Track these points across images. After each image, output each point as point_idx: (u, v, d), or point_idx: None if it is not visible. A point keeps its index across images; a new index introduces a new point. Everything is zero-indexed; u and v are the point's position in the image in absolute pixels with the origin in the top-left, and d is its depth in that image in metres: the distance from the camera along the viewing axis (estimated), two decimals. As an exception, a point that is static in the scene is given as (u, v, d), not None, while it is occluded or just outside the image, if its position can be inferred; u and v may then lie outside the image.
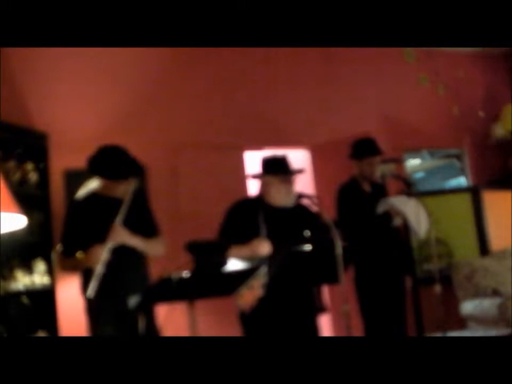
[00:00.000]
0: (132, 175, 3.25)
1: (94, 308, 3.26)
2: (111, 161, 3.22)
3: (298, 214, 3.23)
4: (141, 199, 3.50)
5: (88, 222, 3.21)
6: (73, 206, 3.41)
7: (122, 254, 3.20)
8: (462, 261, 5.10)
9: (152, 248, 3.34)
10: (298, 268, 3.09)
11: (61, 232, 3.34)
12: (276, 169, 3.19)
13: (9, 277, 3.70)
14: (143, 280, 3.30)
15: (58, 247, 3.37)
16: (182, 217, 4.52)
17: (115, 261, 3.19)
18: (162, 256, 3.46)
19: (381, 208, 3.98)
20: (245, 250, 3.04)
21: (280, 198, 3.20)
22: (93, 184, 3.77)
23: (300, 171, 3.31)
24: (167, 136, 4.70)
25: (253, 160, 5.14)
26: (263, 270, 2.92)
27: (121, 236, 3.14)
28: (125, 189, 3.22)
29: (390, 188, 4.40)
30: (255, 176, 3.30)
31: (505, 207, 5.36)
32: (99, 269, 3.04)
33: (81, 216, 3.27)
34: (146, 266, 3.41)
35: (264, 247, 3.02)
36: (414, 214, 3.92)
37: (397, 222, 4.05)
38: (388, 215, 3.99)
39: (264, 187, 3.25)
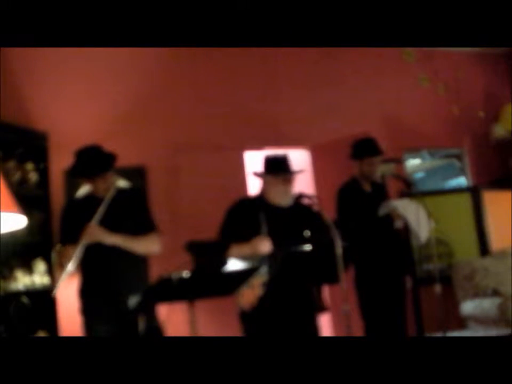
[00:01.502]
0: (98, 171, 3.24)
1: (88, 309, 3.27)
2: (80, 160, 3.27)
3: (299, 213, 3.23)
4: (134, 196, 3.51)
5: (77, 221, 3.22)
6: (66, 206, 3.46)
7: (117, 253, 3.20)
8: (462, 261, 5.10)
9: (141, 246, 3.28)
10: (298, 267, 3.09)
11: (60, 230, 3.39)
12: (277, 169, 3.19)
13: (9, 277, 3.70)
14: (143, 280, 3.30)
15: (57, 246, 3.39)
16: (182, 217, 4.52)
17: (110, 261, 3.20)
18: (162, 256, 3.46)
19: (382, 210, 3.98)
20: (246, 248, 3.04)
21: (279, 198, 3.20)
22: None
23: (300, 171, 3.31)
24: (167, 136, 4.70)
25: (253, 160, 5.14)
26: (263, 269, 2.92)
27: (95, 234, 3.13)
28: (105, 187, 3.24)
29: (390, 188, 4.40)
30: (256, 175, 3.30)
31: (505, 207, 5.36)
32: (68, 268, 3.07)
33: (72, 216, 3.32)
34: (146, 266, 3.41)
35: (264, 245, 3.02)
36: (416, 218, 3.92)
37: (398, 224, 4.05)
38: (389, 218, 3.99)
39: (264, 186, 3.25)
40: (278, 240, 3.04)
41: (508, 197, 5.36)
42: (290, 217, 3.19)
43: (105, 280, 3.21)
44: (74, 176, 3.48)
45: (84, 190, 3.87)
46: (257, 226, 3.08)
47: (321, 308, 3.22)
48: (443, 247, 5.13)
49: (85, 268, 3.29)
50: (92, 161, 3.23)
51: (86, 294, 3.31)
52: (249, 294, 2.95)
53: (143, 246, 3.29)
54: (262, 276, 2.94)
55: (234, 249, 3.07)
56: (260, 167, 3.28)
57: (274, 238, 3.05)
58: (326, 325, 4.69)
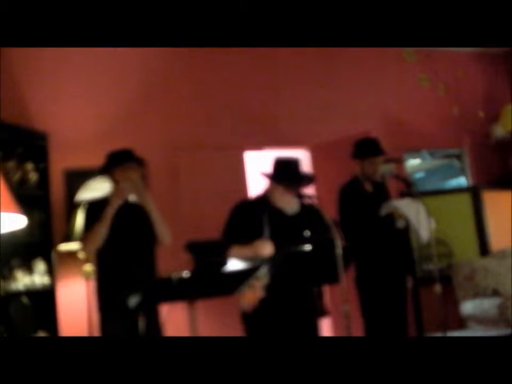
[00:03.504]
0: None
1: (105, 304, 3.28)
2: (124, 152, 3.39)
3: (302, 215, 3.22)
4: None
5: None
6: (94, 204, 3.42)
7: (135, 249, 3.27)
8: (462, 261, 5.10)
9: (163, 224, 3.37)
10: (299, 267, 3.08)
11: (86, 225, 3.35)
12: (288, 179, 3.14)
13: (9, 277, 3.70)
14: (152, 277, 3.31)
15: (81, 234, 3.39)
16: (182, 217, 4.52)
17: (128, 257, 3.22)
18: (162, 256, 3.47)
19: (384, 210, 3.97)
20: (247, 250, 3.03)
21: (285, 205, 3.18)
22: (102, 186, 3.79)
23: (310, 180, 3.27)
24: (167, 136, 4.70)
25: (253, 160, 5.14)
26: (264, 270, 2.91)
27: (147, 196, 3.31)
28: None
29: (390, 188, 4.40)
30: (264, 176, 3.25)
31: (505, 207, 5.36)
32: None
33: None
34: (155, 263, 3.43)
35: (266, 248, 3.00)
36: (417, 218, 3.91)
37: (400, 224, 4.05)
38: (391, 217, 3.98)
39: (271, 190, 3.22)
40: (280, 243, 3.03)
41: (508, 197, 5.36)
42: (294, 220, 3.18)
43: (130, 277, 3.21)
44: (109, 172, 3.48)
45: (91, 192, 3.87)
46: (260, 229, 3.06)
47: (323, 312, 3.21)
48: (443, 247, 5.13)
49: (106, 263, 3.31)
50: (135, 159, 3.40)
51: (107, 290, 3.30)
52: (251, 295, 2.95)
53: (164, 226, 3.37)
54: (263, 277, 2.93)
55: (236, 250, 3.06)
56: (269, 169, 3.21)
57: (276, 241, 3.04)
58: (326, 325, 4.69)
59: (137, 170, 3.41)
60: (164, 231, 3.37)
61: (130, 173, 3.35)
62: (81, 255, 3.94)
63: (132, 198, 3.35)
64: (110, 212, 3.22)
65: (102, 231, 3.21)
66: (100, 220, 3.22)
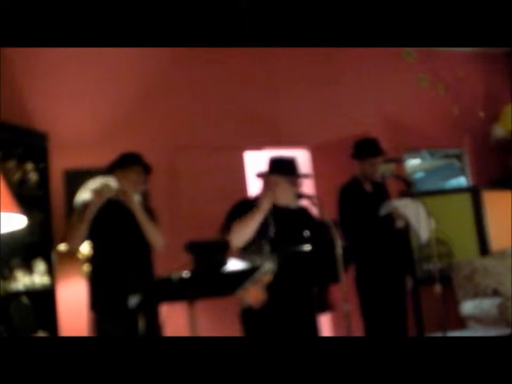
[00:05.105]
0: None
1: (99, 306, 3.28)
2: (132, 154, 3.46)
3: (301, 215, 3.23)
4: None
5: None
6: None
7: (129, 252, 3.26)
8: (462, 261, 5.10)
9: (152, 229, 3.36)
10: (299, 267, 3.08)
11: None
12: (286, 170, 3.16)
13: (9, 277, 3.70)
14: (148, 279, 3.31)
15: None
16: (182, 217, 4.52)
17: (122, 259, 3.22)
18: (162, 256, 3.47)
19: (384, 210, 3.97)
20: (255, 213, 3.03)
21: (285, 199, 3.18)
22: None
23: (307, 175, 3.30)
24: (167, 136, 4.70)
25: (253, 160, 5.14)
26: (270, 265, 2.90)
27: (134, 202, 3.31)
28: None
29: (390, 188, 4.40)
30: (261, 175, 3.26)
31: (505, 207, 5.36)
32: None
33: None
34: (152, 265, 3.43)
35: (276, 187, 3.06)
36: (417, 218, 3.91)
37: (400, 224, 4.05)
38: (391, 217, 3.98)
39: (269, 186, 3.22)
40: (283, 241, 3.03)
41: (508, 197, 5.36)
42: (295, 218, 3.18)
43: (124, 278, 3.21)
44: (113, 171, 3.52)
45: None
46: (261, 227, 3.06)
47: (327, 307, 3.21)
48: (443, 247, 5.13)
49: (100, 265, 3.31)
50: (141, 163, 3.46)
51: (98, 289, 3.31)
52: (257, 292, 2.94)
53: (154, 230, 3.37)
54: (269, 272, 2.91)
55: (239, 224, 3.06)
56: (264, 168, 3.24)
57: (279, 239, 3.03)
58: (326, 325, 4.69)
59: (140, 174, 3.42)
60: (154, 236, 3.37)
61: (131, 175, 3.35)
62: (80, 255, 3.95)
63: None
64: (90, 212, 3.24)
65: (81, 230, 3.24)
66: (81, 219, 3.25)
